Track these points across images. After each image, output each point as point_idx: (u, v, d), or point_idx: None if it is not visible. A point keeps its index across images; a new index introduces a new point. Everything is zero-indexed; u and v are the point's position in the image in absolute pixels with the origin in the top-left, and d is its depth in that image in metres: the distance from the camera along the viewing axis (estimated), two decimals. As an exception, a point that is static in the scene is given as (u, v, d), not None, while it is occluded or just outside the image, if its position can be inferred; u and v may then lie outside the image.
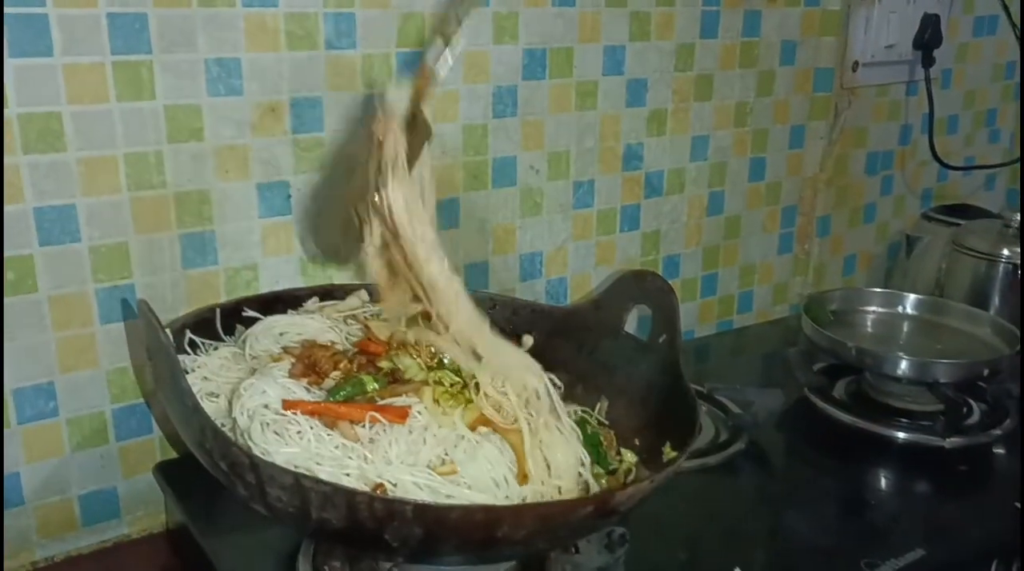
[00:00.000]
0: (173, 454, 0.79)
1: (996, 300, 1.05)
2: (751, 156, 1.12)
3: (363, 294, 0.73)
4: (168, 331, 0.52)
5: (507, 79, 0.89)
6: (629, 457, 0.61)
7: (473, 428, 0.54)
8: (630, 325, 0.72)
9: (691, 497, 0.75)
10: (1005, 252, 1.06)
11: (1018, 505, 0.72)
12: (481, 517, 0.46)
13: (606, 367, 0.69)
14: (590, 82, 0.95)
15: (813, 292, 1.06)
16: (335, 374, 0.57)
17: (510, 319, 0.75)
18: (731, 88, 1.07)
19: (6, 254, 0.68)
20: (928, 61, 1.21)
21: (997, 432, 0.85)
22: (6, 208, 0.67)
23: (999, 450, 0.84)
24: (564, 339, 0.72)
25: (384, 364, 0.58)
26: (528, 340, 0.73)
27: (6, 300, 0.69)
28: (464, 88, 0.87)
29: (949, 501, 0.77)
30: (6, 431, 0.72)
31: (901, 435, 0.85)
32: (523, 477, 0.51)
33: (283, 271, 0.81)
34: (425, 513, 0.44)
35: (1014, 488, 0.76)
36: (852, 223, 1.27)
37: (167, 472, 0.76)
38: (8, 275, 0.69)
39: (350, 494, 0.44)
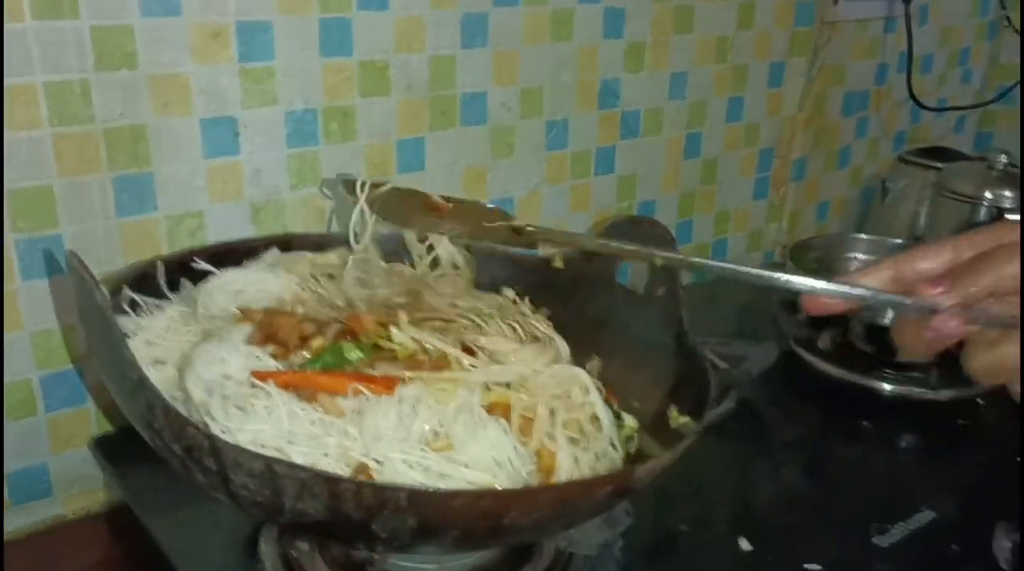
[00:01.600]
0: (110, 427, 0.71)
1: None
2: (730, 95, 1.06)
3: (343, 252, 0.65)
4: (103, 288, 0.43)
5: (477, 5, 0.81)
6: (630, 422, 0.55)
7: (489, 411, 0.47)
8: (627, 276, 0.65)
9: (688, 463, 0.70)
10: (989, 195, 1.02)
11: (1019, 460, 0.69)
12: (488, 504, 0.39)
13: (598, 323, 0.62)
14: (565, 10, 0.87)
15: (797, 240, 1.01)
16: (303, 354, 0.49)
17: (485, 269, 0.68)
18: (711, 20, 1.00)
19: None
20: (909, -5, 1.15)
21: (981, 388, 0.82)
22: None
23: (989, 401, 0.81)
24: (550, 293, 0.65)
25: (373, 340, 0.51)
26: (509, 293, 0.66)
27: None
28: (431, 14, 0.78)
29: (954, 459, 0.73)
30: (-85, 403, 0.63)
31: (889, 387, 0.81)
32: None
33: (232, 219, 0.73)
34: (422, 501, 0.38)
35: (1011, 442, 0.73)
36: (827, 167, 1.23)
37: (105, 447, 0.67)
38: (-91, 224, 0.59)
39: (333, 482, 0.37)
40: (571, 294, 0.65)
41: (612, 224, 0.64)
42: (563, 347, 0.55)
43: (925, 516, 0.63)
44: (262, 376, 0.45)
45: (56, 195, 0.64)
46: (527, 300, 0.61)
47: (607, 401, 0.55)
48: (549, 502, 0.40)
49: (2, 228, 0.62)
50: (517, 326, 0.57)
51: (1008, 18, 1.36)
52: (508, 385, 0.49)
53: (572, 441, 0.48)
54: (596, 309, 0.63)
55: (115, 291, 0.54)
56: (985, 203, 1.02)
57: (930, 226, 1.08)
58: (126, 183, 0.67)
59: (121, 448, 0.67)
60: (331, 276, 0.58)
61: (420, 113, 0.81)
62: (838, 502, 0.66)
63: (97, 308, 0.40)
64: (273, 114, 0.72)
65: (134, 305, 0.54)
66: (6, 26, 0.59)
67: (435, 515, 0.38)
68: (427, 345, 0.49)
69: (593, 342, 0.61)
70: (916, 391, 0.81)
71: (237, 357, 0.45)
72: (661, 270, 0.61)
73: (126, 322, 0.51)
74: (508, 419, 0.47)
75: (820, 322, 0.92)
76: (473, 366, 0.49)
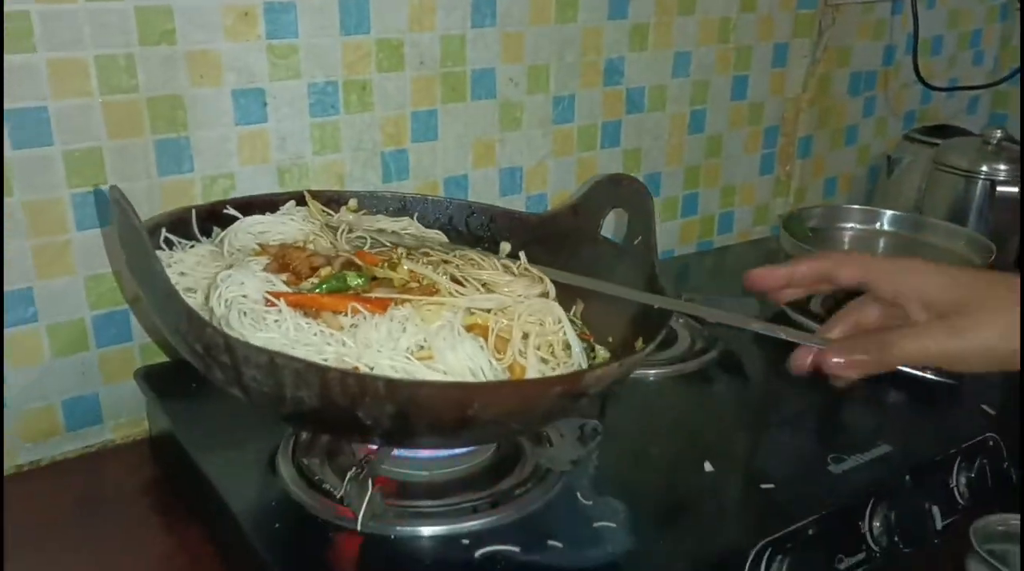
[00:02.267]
0: (154, 360, 0.80)
1: (973, 216, 1.06)
2: (734, 74, 1.11)
3: (352, 204, 0.73)
4: (139, 216, 0.51)
5: (486, -13, 0.88)
6: (603, 353, 0.62)
7: (469, 330, 0.55)
8: (607, 229, 0.72)
9: (666, 400, 0.77)
10: (984, 169, 1.06)
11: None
12: (453, 393, 0.46)
13: (583, 270, 0.69)
14: (571, -8, 0.94)
15: (791, 210, 1.06)
16: (310, 282, 0.57)
17: (487, 226, 0.76)
18: (714, 2, 1.05)
19: (-22, 156, 0.68)
20: (914, -22, 1.19)
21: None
22: (-24, 109, 0.67)
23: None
24: (542, 245, 0.72)
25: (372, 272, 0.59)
26: (505, 246, 0.73)
27: (-21, 203, 0.69)
28: (442, -5, 0.86)
29: (917, 405, 0.78)
30: (-15, 336, 0.72)
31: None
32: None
33: (260, 181, 0.81)
34: (396, 389, 0.45)
35: (979, 394, 0.78)
36: (834, 144, 1.27)
37: (149, 377, 0.76)
38: (-19, 178, 0.69)
39: (322, 370, 0.45)
40: (560, 246, 0.72)
41: (596, 182, 0.71)
42: (550, 284, 0.62)
43: (881, 450, 0.69)
44: (274, 296, 0.52)
45: (105, 156, 0.73)
46: (521, 252, 0.68)
47: (582, 336, 0.62)
48: (508, 396, 0.47)
49: (1, 203, 0.69)
50: (512, 266, 0.64)
51: (1020, 1, 1.38)
52: (490, 311, 0.56)
53: (542, 361, 0.55)
54: (582, 258, 0.70)
55: (153, 231, 0.62)
56: (981, 176, 1.06)
57: (929, 199, 1.12)
58: (166, 146, 0.76)
59: (163, 379, 0.76)
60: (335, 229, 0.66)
61: (432, 87, 0.88)
62: (802, 437, 0.72)
63: (134, 230, 0.48)
64: (297, 86, 0.81)
65: (169, 244, 0.63)
66: (60, 5, 0.68)
67: (408, 402, 0.46)
68: (420, 276, 0.56)
69: (577, 287, 0.68)
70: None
71: (254, 281, 0.53)
72: (637, 222, 0.68)
73: (162, 256, 0.60)
74: (487, 339, 0.54)
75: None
76: (459, 293, 0.56)
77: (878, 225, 1.02)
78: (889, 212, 1.02)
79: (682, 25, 1.04)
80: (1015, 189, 1.01)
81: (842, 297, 0.87)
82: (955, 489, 0.70)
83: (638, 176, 1.07)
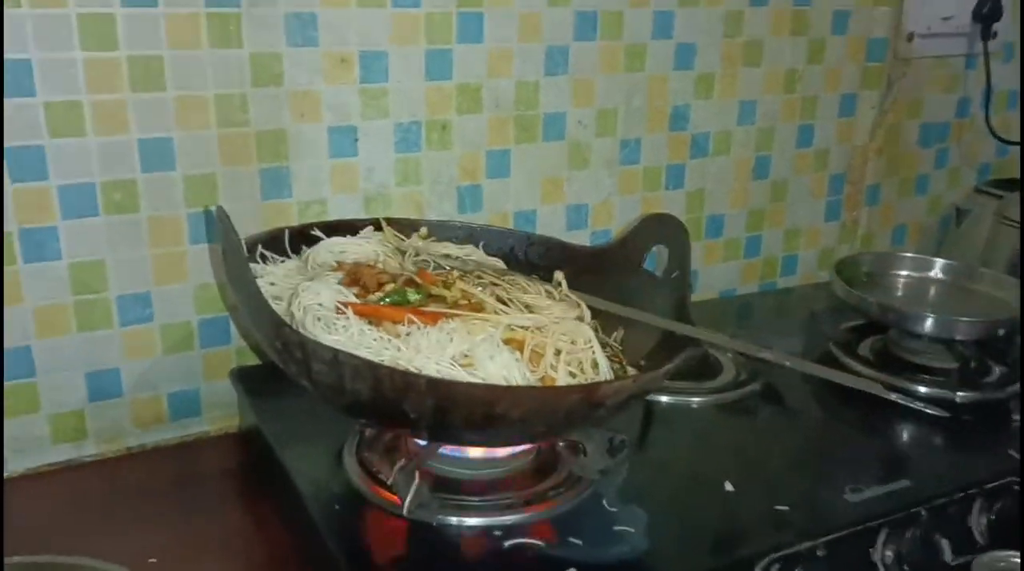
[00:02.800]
0: (247, 362, 0.91)
1: (1034, 270, 1.08)
2: (799, 122, 1.16)
3: (423, 231, 0.82)
4: (237, 232, 0.61)
5: (559, 39, 0.96)
6: (632, 372, 0.68)
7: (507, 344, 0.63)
8: (649, 263, 0.79)
9: (703, 426, 0.83)
10: (1046, 223, 1.08)
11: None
12: (481, 393, 0.54)
13: (625, 300, 0.76)
14: (639, 44, 1.01)
15: (843, 257, 1.10)
16: (376, 295, 0.66)
17: (544, 255, 0.84)
18: (781, 55, 1.11)
19: (116, 176, 0.80)
20: (987, 34, 1.22)
21: (1008, 391, 0.89)
22: (115, 137, 0.79)
23: (1007, 408, 0.88)
24: (592, 275, 0.79)
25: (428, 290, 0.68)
26: (559, 275, 0.80)
27: (115, 217, 0.81)
28: (518, 47, 0.94)
29: (949, 447, 0.81)
30: (110, 331, 0.84)
31: (916, 388, 0.89)
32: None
33: (348, 207, 0.91)
34: (436, 386, 0.53)
35: (1009, 439, 0.80)
36: (903, 193, 1.30)
37: (242, 377, 0.87)
38: (115, 196, 0.81)
39: (375, 367, 0.54)
40: (608, 276, 0.79)
41: (643, 219, 0.78)
42: (585, 309, 0.70)
43: (900, 483, 0.72)
44: (344, 304, 0.62)
45: (218, 180, 0.85)
46: (562, 279, 0.75)
47: (614, 358, 0.69)
48: (529, 398, 0.55)
49: (3, 221, 0.77)
50: (554, 292, 0.72)
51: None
52: (527, 329, 0.63)
53: (571, 375, 0.62)
54: (625, 288, 0.77)
55: (251, 248, 0.73)
56: (1043, 230, 1.08)
57: (991, 251, 1.14)
58: (269, 174, 0.87)
59: (253, 379, 0.86)
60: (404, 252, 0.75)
61: (506, 128, 0.97)
62: (825, 467, 0.76)
63: (233, 245, 0.58)
64: (385, 125, 0.91)
65: (264, 258, 0.73)
66: (189, 51, 0.80)
67: (446, 398, 0.54)
68: (471, 295, 0.65)
69: (619, 317, 0.75)
70: (937, 392, 0.89)
71: (328, 292, 0.63)
72: (675, 257, 0.74)
73: (256, 268, 0.70)
74: (523, 351, 0.62)
75: (861, 330, 1.02)
76: (503, 312, 0.64)
77: (931, 273, 1.05)
78: (941, 260, 1.05)
79: (747, 76, 1.10)
80: (1074, 244, 1.03)
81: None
82: (973, 529, 0.73)
83: (701, 217, 1.14)
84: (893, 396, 0.72)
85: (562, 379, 0.61)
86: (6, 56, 0.73)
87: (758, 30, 1.08)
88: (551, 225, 1.03)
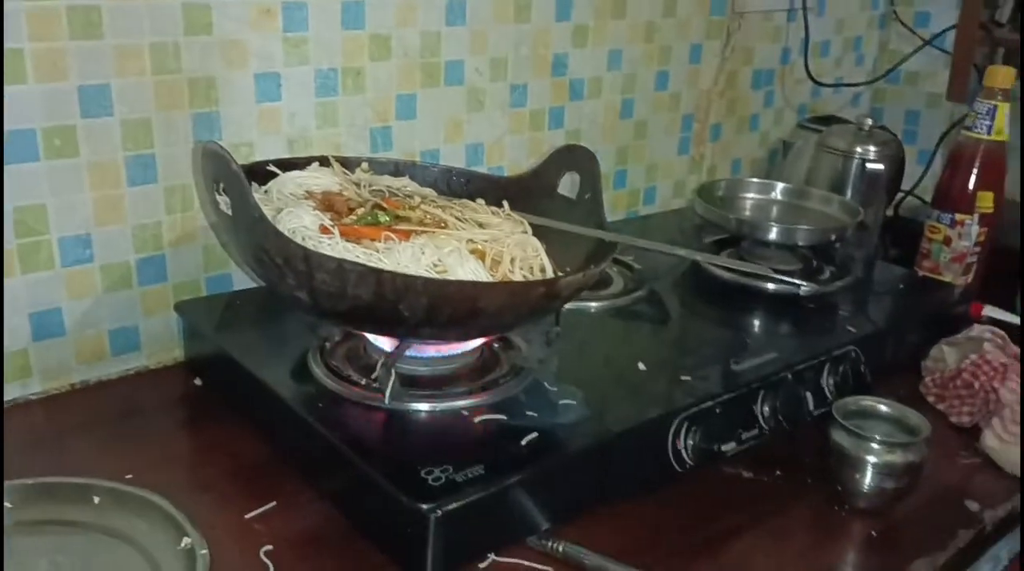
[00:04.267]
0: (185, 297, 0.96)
1: (849, 189, 1.30)
2: (657, 69, 1.32)
3: (365, 166, 0.91)
4: (236, 161, 0.68)
5: (458, -8, 1.06)
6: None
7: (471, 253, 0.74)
8: (562, 188, 0.92)
9: (606, 325, 0.97)
10: (858, 150, 1.30)
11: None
12: (469, 289, 0.65)
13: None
14: (526, -2, 1.13)
15: (704, 182, 1.28)
16: (351, 218, 0.75)
17: (466, 186, 0.94)
18: (641, 9, 1.26)
19: (56, 122, 0.83)
20: (804, -9, 1.43)
21: (839, 284, 1.10)
22: (55, 84, 0.82)
23: (840, 296, 1.09)
24: (512, 202, 0.90)
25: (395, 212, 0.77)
26: (481, 202, 0.91)
27: (56, 162, 0.84)
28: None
29: (801, 327, 1.01)
30: (52, 272, 0.87)
31: (768, 286, 1.08)
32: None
33: (272, 149, 0.97)
34: (431, 285, 0.64)
35: (846, 320, 1.01)
36: (740, 130, 1.50)
37: (187, 309, 0.93)
38: (55, 142, 0.84)
39: (377, 272, 0.63)
40: (525, 201, 0.91)
41: (555, 151, 0.91)
42: (527, 225, 0.82)
43: (771, 355, 0.90)
44: (325, 229, 0.70)
45: (153, 125, 0.89)
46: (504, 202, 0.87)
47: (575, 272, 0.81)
48: (504, 293, 0.66)
49: (3, 224, 0.84)
50: (499, 212, 0.84)
51: (895, 12, 1.64)
52: (486, 241, 0.75)
53: (525, 278, 0.74)
54: (542, 211, 0.89)
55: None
56: (855, 157, 1.30)
57: (815, 175, 1.35)
58: (201, 118, 0.92)
59: (200, 311, 0.93)
60: (356, 184, 0.84)
61: (413, 74, 1.06)
62: (712, 347, 0.93)
63: (234, 173, 0.65)
64: (306, 71, 0.98)
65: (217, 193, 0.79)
66: (125, 1, 0.83)
67: (438, 296, 0.64)
68: (432, 216, 0.75)
69: (541, 232, 0.87)
70: (785, 288, 1.07)
71: (309, 217, 0.71)
72: (587, 182, 0.87)
73: (221, 201, 0.76)
74: (483, 260, 0.73)
75: (720, 243, 1.20)
76: (463, 228, 0.75)
77: (772, 195, 1.25)
78: (781, 184, 1.25)
79: (615, 27, 1.24)
80: (880, 166, 1.25)
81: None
82: (825, 387, 0.92)
83: (578, 153, 1.27)
84: (772, 275, 0.90)
85: (518, 281, 0.73)
86: (-56, 3, 0.75)
87: (622, -14, 1.23)
88: (453, 162, 1.13)
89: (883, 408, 0.84)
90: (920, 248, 1.25)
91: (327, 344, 0.83)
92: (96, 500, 0.73)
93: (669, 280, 1.10)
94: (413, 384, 0.78)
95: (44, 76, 0.81)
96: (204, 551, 0.67)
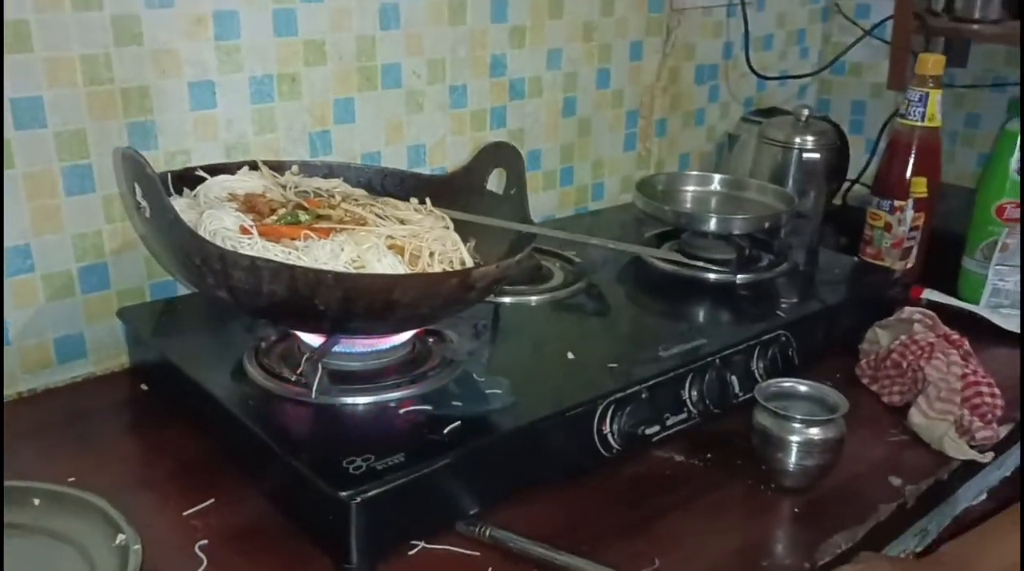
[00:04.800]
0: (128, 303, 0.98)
1: (791, 179, 1.33)
2: (598, 66, 1.35)
3: (295, 169, 0.93)
4: (151, 167, 0.70)
5: (390, -2, 1.09)
6: (490, 272, 0.84)
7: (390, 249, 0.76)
8: (491, 184, 0.94)
9: (543, 317, 0.99)
10: (797, 140, 1.32)
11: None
12: (381, 282, 0.67)
13: (473, 215, 0.90)
14: (460, 1, 1.15)
15: (643, 176, 1.30)
16: (272, 218, 0.78)
17: (399, 186, 0.96)
18: (578, 8, 1.28)
19: (-11, 135, 0.85)
20: (743, -14, 1.46)
21: (775, 271, 1.12)
22: (-14, 98, 0.84)
23: (774, 283, 1.11)
24: (443, 199, 0.92)
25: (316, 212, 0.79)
26: (414, 201, 0.93)
27: (-10, 173, 0.86)
28: (356, 5, 1.06)
29: (734, 314, 1.03)
30: (-8, 283, 0.89)
31: (706, 276, 1.10)
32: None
33: (210, 156, 0.99)
34: (342, 279, 0.66)
35: (777, 306, 1.03)
36: (685, 125, 1.53)
37: (130, 315, 0.95)
38: (-11, 154, 0.86)
39: (290, 267, 0.65)
40: (457, 199, 0.93)
41: (482, 148, 0.93)
42: (449, 221, 0.84)
43: (700, 341, 0.92)
44: (245, 229, 0.72)
45: (88, 135, 0.91)
46: (428, 198, 0.89)
47: (473, 259, 0.83)
48: (419, 284, 0.69)
49: (3, 224, 0.85)
50: (421, 208, 0.86)
51: (837, 4, 1.67)
52: (405, 237, 0.77)
53: (444, 270, 0.76)
54: (473, 207, 0.92)
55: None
56: (794, 147, 1.33)
57: (757, 166, 1.38)
58: (136, 127, 0.94)
59: (142, 316, 0.94)
60: (284, 186, 0.86)
61: (350, 78, 1.08)
62: (641, 336, 0.96)
63: (149, 178, 0.67)
64: (240, 79, 1.00)
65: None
66: (52, 12, 0.85)
67: (351, 289, 0.66)
68: (353, 214, 0.77)
69: (471, 228, 0.89)
70: (723, 278, 1.10)
71: (230, 218, 0.73)
72: (512, 177, 0.90)
73: (142, 205, 0.78)
74: (403, 255, 0.75)
75: (661, 236, 1.22)
76: (383, 224, 0.77)
77: (712, 186, 1.27)
78: (718, 175, 1.28)
79: (553, 27, 1.26)
80: (817, 155, 1.28)
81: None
82: (755, 371, 0.95)
83: (522, 152, 1.29)
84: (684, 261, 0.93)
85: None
86: None
87: (558, -13, 1.25)
88: (394, 164, 1.15)
89: (803, 388, 0.86)
90: (863, 235, 1.28)
91: (263, 344, 0.85)
92: (36, 502, 0.74)
93: (610, 273, 1.12)
94: (345, 380, 0.80)
95: (-25, 90, 0.83)
96: (137, 547, 0.69)
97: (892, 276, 1.20)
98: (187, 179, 0.86)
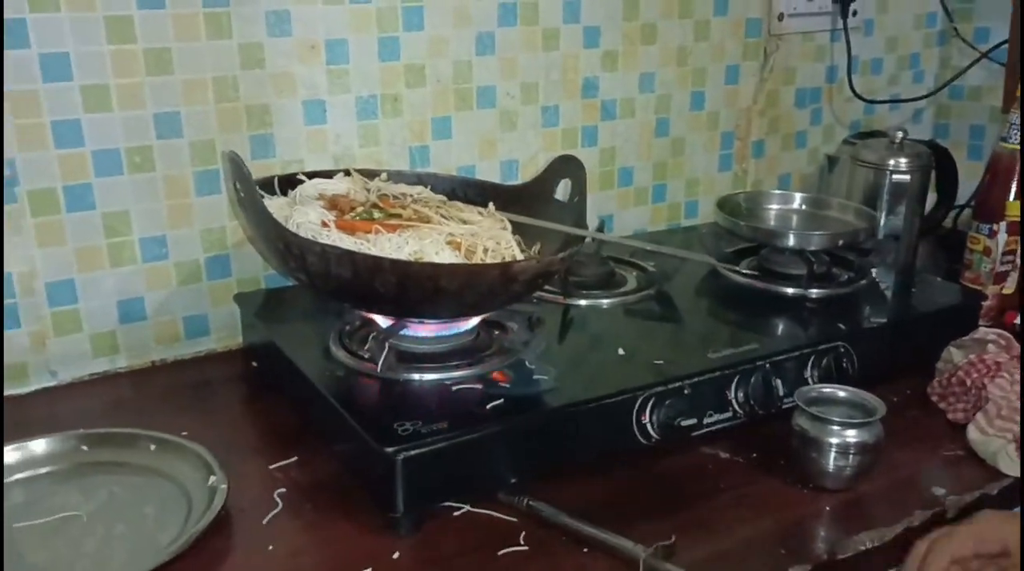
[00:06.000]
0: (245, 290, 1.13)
1: (883, 200, 1.33)
2: (692, 90, 1.41)
3: (383, 176, 1.05)
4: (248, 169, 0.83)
5: (486, 26, 1.19)
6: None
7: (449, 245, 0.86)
8: (559, 194, 1.02)
9: (609, 319, 1.06)
10: (890, 162, 1.33)
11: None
12: (429, 270, 0.77)
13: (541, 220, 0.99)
14: (553, 28, 1.25)
15: (724, 194, 1.34)
16: (350, 215, 0.89)
17: (478, 194, 1.06)
18: (672, 35, 1.35)
19: (136, 143, 1.01)
20: (845, 13, 1.48)
21: (851, 288, 1.14)
22: (135, 112, 1.00)
23: (846, 299, 1.13)
24: (517, 207, 1.01)
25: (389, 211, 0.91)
26: (491, 207, 1.03)
27: (137, 176, 1.02)
28: (453, 32, 1.17)
29: (795, 324, 1.06)
30: (134, 267, 1.05)
31: (780, 290, 1.13)
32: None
33: (320, 166, 1.13)
34: (395, 265, 0.76)
35: (840, 320, 1.05)
36: (785, 147, 1.55)
37: (245, 300, 1.09)
38: (136, 159, 1.02)
39: (352, 254, 0.76)
40: (529, 206, 1.02)
41: (551, 161, 1.02)
42: (507, 223, 0.93)
43: (750, 347, 0.96)
44: (325, 223, 0.84)
45: (216, 145, 1.06)
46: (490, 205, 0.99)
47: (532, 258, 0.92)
48: (461, 274, 0.78)
49: (2, 225, 1.00)
50: (484, 211, 0.96)
51: (955, 28, 1.65)
52: (463, 235, 0.87)
53: (496, 266, 0.85)
54: (541, 214, 1.00)
55: (251, 189, 0.95)
56: (887, 168, 1.33)
57: (852, 188, 1.38)
58: (257, 139, 1.09)
59: (254, 302, 1.09)
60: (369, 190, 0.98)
61: (447, 99, 1.20)
62: (697, 339, 1.00)
63: (246, 177, 0.80)
64: (348, 99, 1.13)
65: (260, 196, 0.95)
66: (190, 43, 1.01)
67: (404, 275, 0.76)
68: (421, 214, 0.88)
69: (538, 233, 0.98)
70: (795, 291, 1.13)
71: (314, 213, 0.85)
72: (575, 186, 0.98)
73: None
74: (460, 250, 0.85)
75: (741, 251, 1.26)
76: (445, 223, 0.87)
77: (793, 205, 1.30)
78: (801, 194, 1.30)
79: (645, 52, 1.34)
80: (907, 177, 1.28)
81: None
82: (808, 378, 0.97)
83: (613, 169, 1.38)
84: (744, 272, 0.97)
85: (489, 269, 0.84)
86: (47, 50, 0.95)
87: (651, 15, 1.32)
88: (489, 178, 1.25)
89: (842, 394, 0.89)
90: (963, 259, 1.27)
91: (347, 328, 0.97)
92: (152, 448, 0.89)
93: (685, 284, 1.17)
94: (411, 359, 0.90)
95: (126, 105, 1.00)
96: (223, 486, 0.81)
97: (976, 299, 1.18)
98: (292, 182, 1.00)
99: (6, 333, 1.00)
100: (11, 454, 0.87)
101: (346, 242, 0.82)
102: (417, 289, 0.78)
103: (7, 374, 1.01)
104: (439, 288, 0.78)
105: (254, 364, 1.09)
